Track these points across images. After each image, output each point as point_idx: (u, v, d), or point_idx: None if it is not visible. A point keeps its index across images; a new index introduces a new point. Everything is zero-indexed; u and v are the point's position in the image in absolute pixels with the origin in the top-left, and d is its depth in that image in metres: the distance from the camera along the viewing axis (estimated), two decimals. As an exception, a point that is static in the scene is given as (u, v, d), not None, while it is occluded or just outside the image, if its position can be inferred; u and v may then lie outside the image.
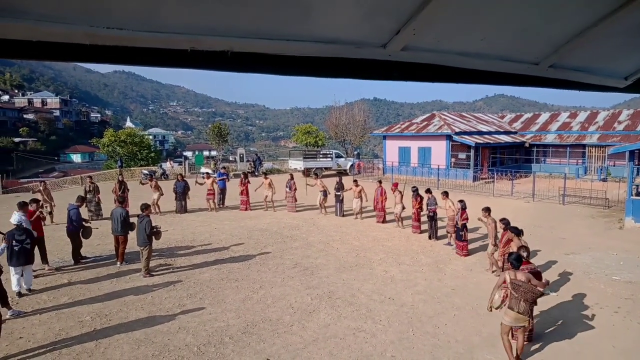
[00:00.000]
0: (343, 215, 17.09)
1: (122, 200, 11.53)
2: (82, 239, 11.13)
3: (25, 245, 8.55)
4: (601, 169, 28.22)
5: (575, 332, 7.36)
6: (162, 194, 16.99)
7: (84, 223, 11.23)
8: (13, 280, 8.72)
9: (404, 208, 14.94)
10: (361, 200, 16.40)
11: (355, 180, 17.05)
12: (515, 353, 6.50)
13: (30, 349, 6.76)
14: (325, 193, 17.35)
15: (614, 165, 27.79)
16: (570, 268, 10.59)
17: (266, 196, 18.13)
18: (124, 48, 1.12)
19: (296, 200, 18.25)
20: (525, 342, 6.68)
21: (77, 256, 10.97)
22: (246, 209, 18.31)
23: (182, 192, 17.54)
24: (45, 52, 1.08)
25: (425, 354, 6.73)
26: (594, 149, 29.52)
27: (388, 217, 15.99)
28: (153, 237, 10.13)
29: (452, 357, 6.65)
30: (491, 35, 1.46)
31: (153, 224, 10.19)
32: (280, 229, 14.91)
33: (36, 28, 0.99)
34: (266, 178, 18.38)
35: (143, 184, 19.42)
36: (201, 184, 18.45)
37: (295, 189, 18.09)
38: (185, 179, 18.22)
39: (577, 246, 12.73)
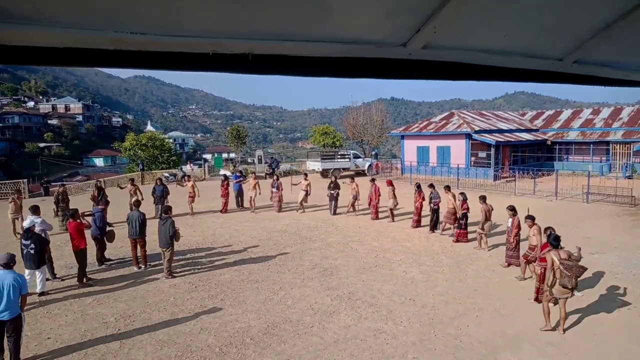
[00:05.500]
0: (336, 213, 17.57)
1: (138, 204, 11.56)
2: (106, 242, 11.32)
3: (30, 250, 8.69)
4: (626, 166, 27.50)
5: (602, 334, 7.19)
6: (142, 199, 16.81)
7: (107, 227, 11.41)
8: (37, 280, 8.99)
9: (396, 204, 15.93)
10: (355, 198, 17.17)
11: (352, 177, 17.98)
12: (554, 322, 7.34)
13: (57, 349, 6.91)
14: (306, 193, 18.06)
15: (640, 162, 27.07)
16: (596, 268, 10.33)
17: (250, 197, 18.36)
18: (147, 53, 1.14)
19: (282, 200, 18.61)
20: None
21: (101, 258, 11.18)
22: (225, 211, 18.30)
23: (160, 196, 16.84)
24: (71, 58, 1.10)
25: (447, 355, 6.65)
26: (618, 145, 28.79)
27: (381, 215, 16.70)
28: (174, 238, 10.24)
29: (475, 359, 6.56)
30: (514, 31, 1.43)
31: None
32: (299, 230, 14.95)
33: (64, 35, 1.01)
34: (255, 179, 18.60)
35: (122, 187, 18.95)
36: (183, 186, 18.47)
37: (282, 189, 18.51)
38: (164, 183, 17.85)
39: (602, 245, 12.43)
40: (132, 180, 18.16)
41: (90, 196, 16.20)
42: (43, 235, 9.80)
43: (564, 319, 7.27)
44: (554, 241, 7.37)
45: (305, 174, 19.58)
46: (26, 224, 9.17)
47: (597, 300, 8.53)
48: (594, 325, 7.51)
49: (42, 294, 9.11)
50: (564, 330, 7.23)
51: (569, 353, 6.65)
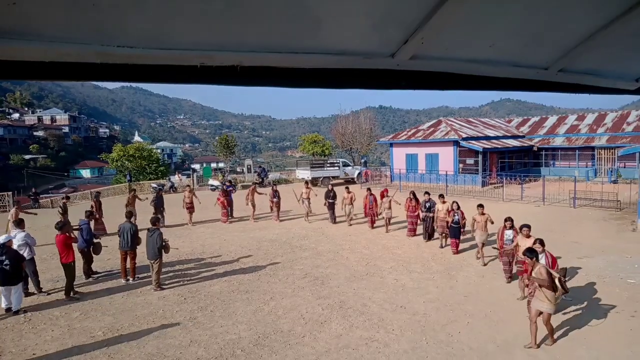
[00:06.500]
0: (335, 222, 17.49)
1: (130, 215, 11.51)
2: (93, 255, 11.14)
3: (4, 267, 8.41)
4: (611, 171, 27.94)
5: (592, 338, 7.23)
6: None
7: (94, 239, 11.24)
8: (12, 297, 8.75)
9: (391, 213, 15.79)
10: (352, 206, 17.03)
11: (347, 187, 17.71)
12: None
13: (43, 365, 6.77)
14: (309, 201, 18.08)
15: (625, 167, 27.53)
16: (584, 272, 10.43)
17: (253, 211, 18.53)
18: (134, 66, 1.13)
19: (279, 209, 18.60)
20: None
21: (88, 271, 11.00)
22: (227, 221, 18.36)
23: (160, 206, 17.22)
24: (56, 72, 1.09)
25: (439, 363, 6.64)
26: (603, 151, 29.27)
27: (378, 223, 16.61)
28: (163, 250, 10.13)
29: (467, 366, 6.56)
30: (500, 41, 1.45)
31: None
32: (289, 239, 14.89)
33: (50, 49, 1.00)
34: (254, 191, 18.72)
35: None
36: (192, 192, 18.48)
37: (279, 198, 18.49)
38: (161, 193, 18.03)
39: (590, 250, 12.56)
40: (133, 190, 18.16)
41: (90, 206, 16.27)
42: (28, 249, 9.64)
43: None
44: (530, 253, 6.91)
45: (306, 182, 19.53)
46: (1, 239, 8.90)
47: (587, 305, 8.59)
48: (584, 330, 7.56)
49: (17, 312, 8.73)
50: (554, 340, 7.10)
51: (561, 359, 6.68)
